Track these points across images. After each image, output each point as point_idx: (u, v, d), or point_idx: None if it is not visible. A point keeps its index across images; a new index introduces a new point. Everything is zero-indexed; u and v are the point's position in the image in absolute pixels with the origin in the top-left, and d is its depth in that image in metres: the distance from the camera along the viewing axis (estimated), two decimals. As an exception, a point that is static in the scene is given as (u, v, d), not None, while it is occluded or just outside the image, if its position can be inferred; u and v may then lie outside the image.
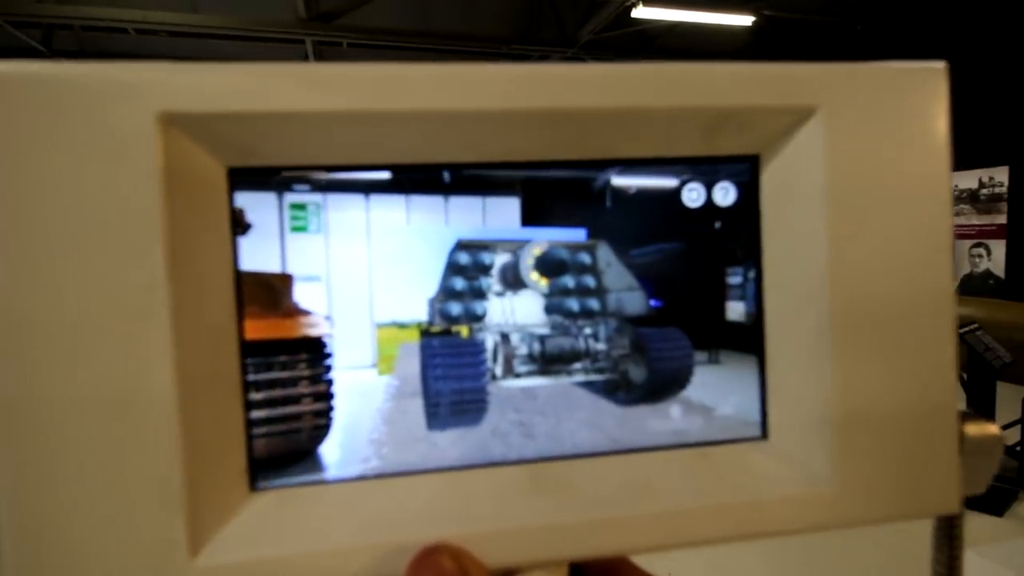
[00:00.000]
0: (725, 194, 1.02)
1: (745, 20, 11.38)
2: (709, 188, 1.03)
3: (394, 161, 0.93)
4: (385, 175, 1.09)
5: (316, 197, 1.01)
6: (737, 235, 1.04)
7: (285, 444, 0.96)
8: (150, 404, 0.68)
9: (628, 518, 0.84)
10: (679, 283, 1.19)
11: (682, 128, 0.87)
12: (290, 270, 1.01)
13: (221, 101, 0.71)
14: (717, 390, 1.17)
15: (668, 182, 1.19)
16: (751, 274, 1.05)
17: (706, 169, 1.02)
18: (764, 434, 0.96)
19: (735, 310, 1.13)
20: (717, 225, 1.13)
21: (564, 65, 0.82)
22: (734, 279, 1.12)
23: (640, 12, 10.56)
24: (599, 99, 0.81)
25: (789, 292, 0.93)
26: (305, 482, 0.87)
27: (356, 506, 0.84)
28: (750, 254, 0.99)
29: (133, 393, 0.68)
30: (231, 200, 0.83)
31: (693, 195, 1.05)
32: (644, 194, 1.13)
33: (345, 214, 1.05)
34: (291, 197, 0.98)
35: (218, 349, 0.79)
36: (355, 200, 1.08)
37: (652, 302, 1.23)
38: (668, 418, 1.14)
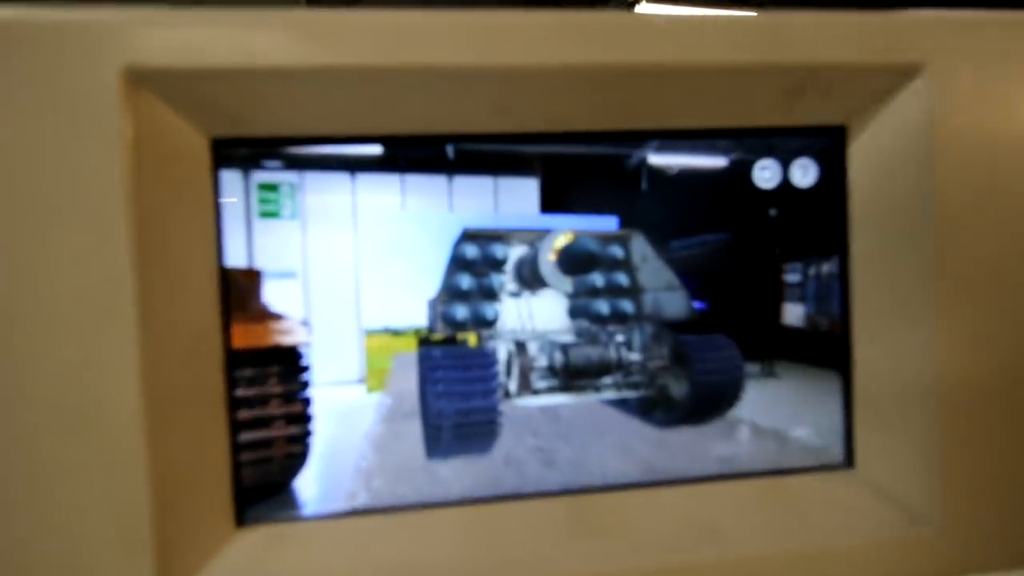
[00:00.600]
0: (804, 172, 0.88)
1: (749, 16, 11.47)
2: (786, 166, 0.88)
3: (411, 131, 0.81)
4: (376, 149, 0.94)
5: (291, 176, 0.87)
6: (808, 222, 0.92)
7: (253, 475, 0.84)
8: (112, 421, 0.60)
9: (691, 565, 0.73)
10: (727, 281, 1.06)
11: (757, 91, 0.75)
12: (258, 264, 0.91)
13: (201, 55, 0.62)
14: (774, 409, 1.05)
15: (715, 161, 1.03)
16: (813, 270, 0.98)
17: (754, 144, 0.89)
18: (849, 461, 0.86)
19: (793, 313, 1.04)
20: (773, 212, 0.98)
21: (618, 13, 0.74)
22: (792, 276, 1.01)
23: (643, 8, 10.64)
24: (659, 53, 0.69)
25: (886, 289, 0.82)
26: (301, 517, 0.79)
27: (362, 547, 0.75)
28: (830, 244, 0.89)
29: (91, 408, 0.60)
30: (216, 177, 0.74)
31: (766, 174, 0.90)
32: (687, 175, 0.99)
33: (326, 197, 0.91)
34: (260, 176, 0.87)
35: (197, 357, 0.71)
36: (339, 180, 0.93)
37: (696, 304, 1.09)
38: (721, 441, 1.01)
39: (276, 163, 0.85)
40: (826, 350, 0.90)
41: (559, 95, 0.71)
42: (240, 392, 0.83)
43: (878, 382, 0.81)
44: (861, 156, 0.80)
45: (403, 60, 0.64)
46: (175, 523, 0.61)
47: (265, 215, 0.88)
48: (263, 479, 0.92)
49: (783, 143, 0.87)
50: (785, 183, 0.89)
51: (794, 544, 0.73)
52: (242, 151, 0.78)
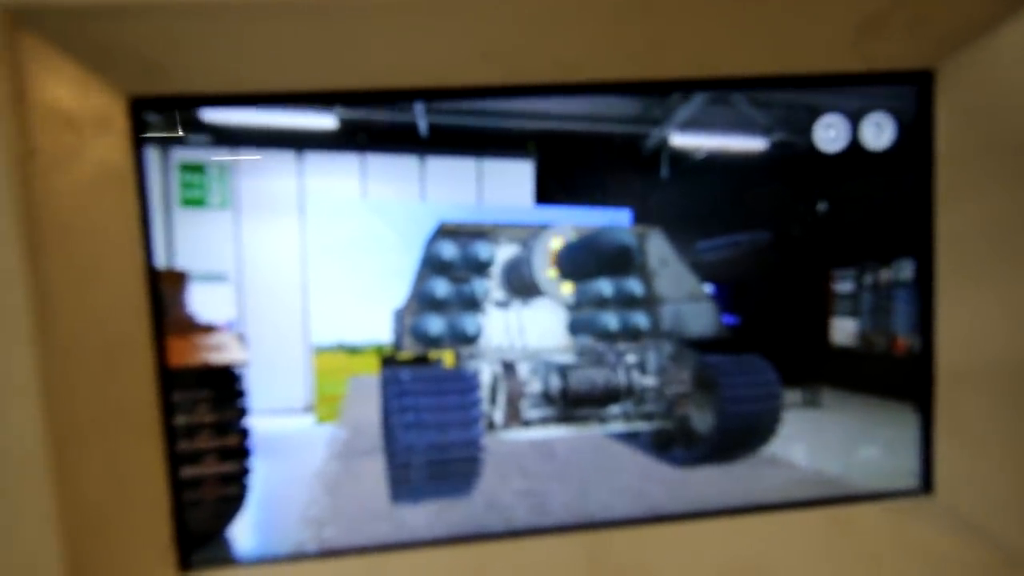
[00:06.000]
0: (878, 131, 0.87)
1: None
2: (855, 123, 0.88)
3: (373, 85, 0.72)
4: (329, 122, 0.94)
5: (220, 154, 0.85)
6: (871, 210, 0.91)
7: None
8: (6, 452, 0.55)
9: None
10: (764, 290, 1.05)
11: (827, 24, 0.71)
12: (182, 266, 0.84)
13: None
14: (818, 446, 1.04)
15: (751, 143, 1.04)
16: (869, 278, 0.96)
17: (801, 120, 0.87)
18: (927, 485, 0.82)
19: (843, 330, 1.04)
20: (822, 207, 0.99)
21: None
22: (843, 285, 1.01)
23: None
24: None
25: (983, 279, 0.77)
26: (257, 560, 0.72)
27: None
28: (897, 239, 0.83)
29: None
30: (138, 146, 0.69)
31: (831, 134, 0.91)
32: (717, 160, 0.99)
33: (266, 181, 0.89)
34: (182, 154, 0.84)
35: (120, 371, 0.66)
36: (281, 160, 0.92)
37: (725, 318, 1.08)
38: (756, 484, 1.00)
39: (203, 137, 0.81)
40: (883, 376, 0.89)
41: (566, 33, 0.66)
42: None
43: (966, 384, 0.76)
44: (954, 107, 0.76)
45: None
46: (99, 571, 0.56)
47: (189, 203, 0.85)
48: (191, 526, 0.91)
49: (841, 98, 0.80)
50: (854, 144, 0.78)
51: None
52: (160, 124, 0.76)
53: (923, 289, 0.83)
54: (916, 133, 0.87)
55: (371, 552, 0.75)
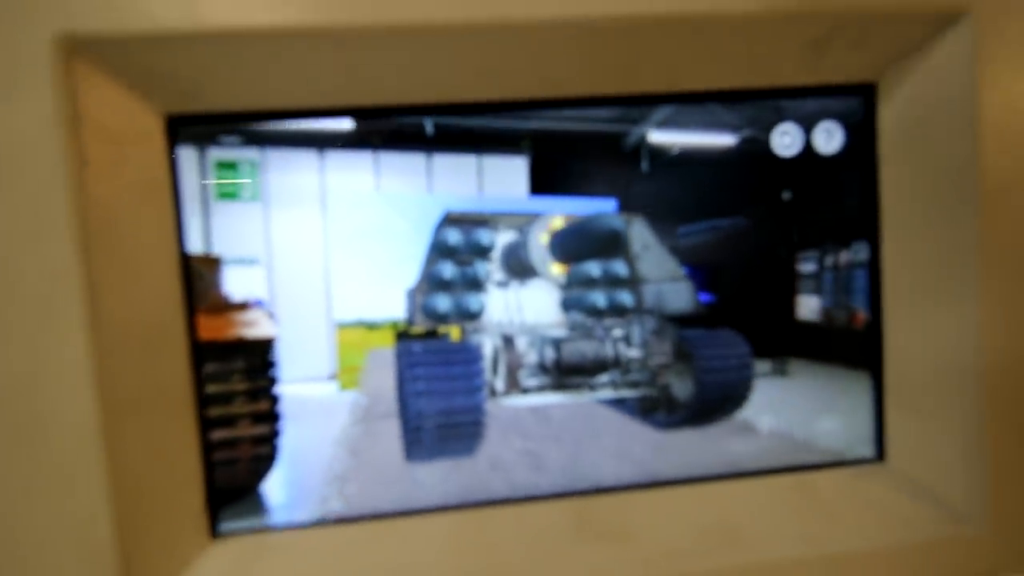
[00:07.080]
0: (829, 137, 0.93)
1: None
2: (808, 130, 0.93)
3: (385, 102, 0.80)
4: (346, 124, 0.99)
5: (251, 153, 0.91)
6: (830, 199, 0.96)
7: (217, 478, 0.91)
8: (64, 428, 0.61)
9: (707, 571, 0.73)
10: (737, 271, 1.11)
11: (779, 45, 0.76)
12: (217, 250, 0.90)
13: (145, 17, 0.61)
14: (787, 410, 1.10)
15: (722, 139, 1.09)
16: (830, 259, 1.01)
17: (767, 118, 0.92)
18: (880, 454, 0.87)
19: (808, 307, 1.09)
20: (786, 196, 1.04)
21: None
22: (807, 266, 1.06)
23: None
24: (666, 3, 0.68)
25: (922, 263, 0.82)
26: (281, 527, 0.79)
27: (347, 557, 0.74)
28: (854, 224, 0.88)
29: (40, 414, 0.61)
30: (172, 158, 0.75)
31: (786, 140, 0.96)
32: (692, 155, 1.04)
33: (292, 176, 0.95)
34: (217, 153, 0.89)
35: (158, 354, 0.71)
36: (305, 158, 0.98)
37: (702, 296, 1.14)
38: (730, 445, 1.07)
39: (235, 138, 0.86)
40: (843, 347, 0.93)
41: (552, 54, 0.71)
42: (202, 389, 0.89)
43: (912, 364, 0.82)
44: (893, 116, 0.81)
45: (374, 19, 0.63)
46: (141, 536, 0.61)
47: (224, 196, 0.91)
48: (227, 484, 0.94)
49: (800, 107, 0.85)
50: (807, 150, 0.84)
51: (820, 547, 0.73)
52: (197, 128, 0.81)
53: (872, 274, 0.88)
54: (862, 139, 0.88)
55: (384, 518, 0.81)
